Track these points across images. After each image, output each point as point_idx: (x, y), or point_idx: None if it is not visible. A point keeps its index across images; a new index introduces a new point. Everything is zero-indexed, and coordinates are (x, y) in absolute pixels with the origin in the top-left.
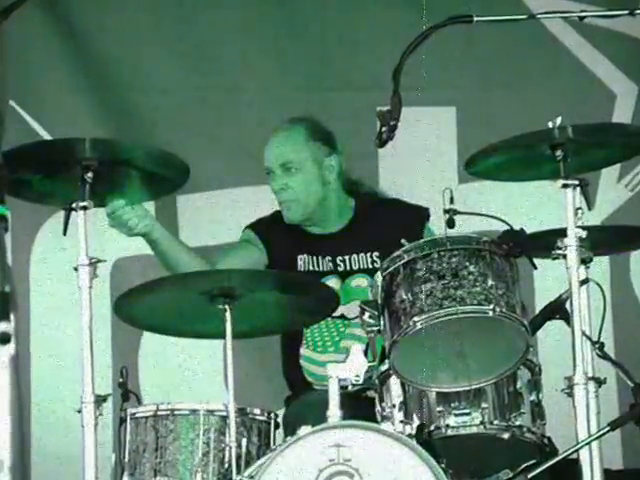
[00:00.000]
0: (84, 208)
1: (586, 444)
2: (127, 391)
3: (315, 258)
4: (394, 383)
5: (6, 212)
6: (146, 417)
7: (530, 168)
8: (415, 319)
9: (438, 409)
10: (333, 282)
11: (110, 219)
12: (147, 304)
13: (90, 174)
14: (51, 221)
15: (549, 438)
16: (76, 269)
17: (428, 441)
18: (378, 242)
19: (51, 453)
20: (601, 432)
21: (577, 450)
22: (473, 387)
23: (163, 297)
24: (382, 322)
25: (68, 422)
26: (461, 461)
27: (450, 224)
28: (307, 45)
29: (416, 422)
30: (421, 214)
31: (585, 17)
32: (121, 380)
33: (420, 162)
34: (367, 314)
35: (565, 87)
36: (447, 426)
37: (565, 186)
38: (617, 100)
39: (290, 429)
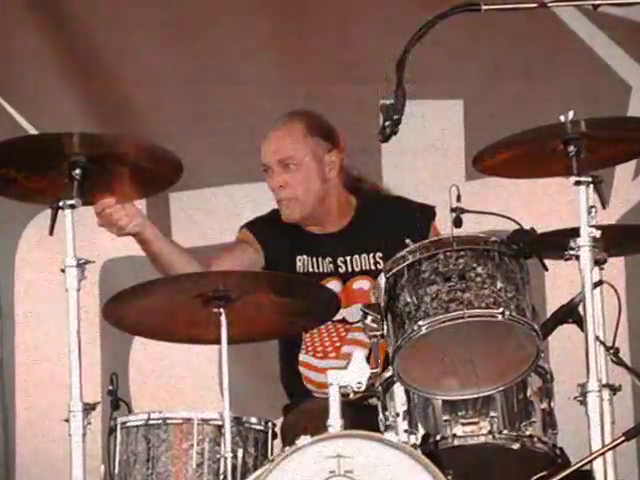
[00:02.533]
0: (72, 206)
1: (600, 455)
2: (117, 399)
3: (315, 259)
4: (398, 390)
5: None
6: (137, 426)
7: (541, 164)
8: (420, 323)
9: (444, 418)
10: (334, 284)
11: (99, 218)
12: (138, 308)
13: (78, 171)
14: (37, 220)
15: (561, 449)
16: (63, 270)
17: (434, 452)
18: (381, 242)
19: (37, 464)
20: (616, 442)
21: (590, 461)
22: (481, 395)
23: (155, 300)
24: (385, 326)
25: (55, 432)
26: (468, 473)
27: (457, 223)
28: (307, 36)
29: (421, 432)
30: (426, 213)
31: (599, 5)
32: (111, 387)
33: (425, 158)
34: (369, 318)
35: (578, 79)
36: (454, 436)
37: (578, 183)
38: (633, 92)
39: (288, 439)
